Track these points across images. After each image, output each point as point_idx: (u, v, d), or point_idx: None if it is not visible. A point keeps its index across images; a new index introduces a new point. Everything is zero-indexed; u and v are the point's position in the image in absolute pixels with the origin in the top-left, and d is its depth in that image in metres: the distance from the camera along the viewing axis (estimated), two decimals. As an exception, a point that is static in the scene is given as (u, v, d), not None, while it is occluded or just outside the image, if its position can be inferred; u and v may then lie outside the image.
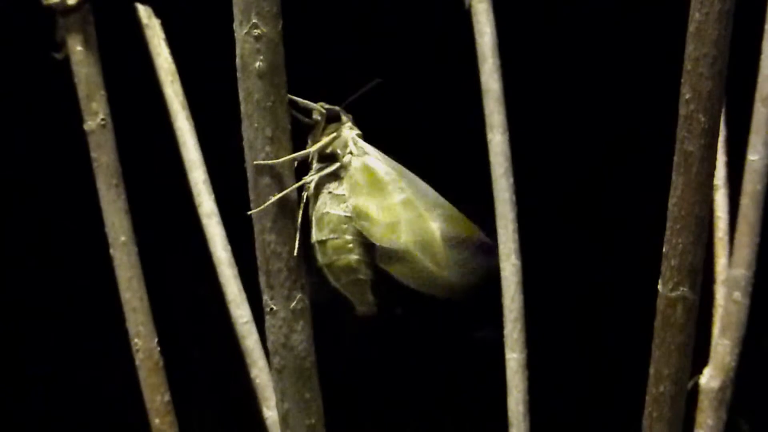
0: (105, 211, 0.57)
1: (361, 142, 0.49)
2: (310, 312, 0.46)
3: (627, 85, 1.04)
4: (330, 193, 0.48)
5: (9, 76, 0.98)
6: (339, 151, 0.48)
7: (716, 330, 0.62)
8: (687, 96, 0.40)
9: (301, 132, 0.48)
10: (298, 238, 0.45)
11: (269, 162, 0.43)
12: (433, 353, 1.16)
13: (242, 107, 0.43)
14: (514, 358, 0.62)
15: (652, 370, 0.44)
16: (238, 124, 0.44)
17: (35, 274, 1.09)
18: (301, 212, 0.46)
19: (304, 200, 0.47)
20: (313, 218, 0.48)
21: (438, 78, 1.02)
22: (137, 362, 0.58)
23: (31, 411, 1.12)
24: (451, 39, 0.65)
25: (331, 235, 0.48)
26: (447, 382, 1.17)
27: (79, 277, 1.02)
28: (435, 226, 0.49)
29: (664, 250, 0.42)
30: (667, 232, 0.42)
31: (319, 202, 0.48)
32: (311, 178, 0.48)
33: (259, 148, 0.43)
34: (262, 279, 0.45)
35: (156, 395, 0.58)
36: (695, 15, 0.39)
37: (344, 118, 0.49)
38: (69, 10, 0.55)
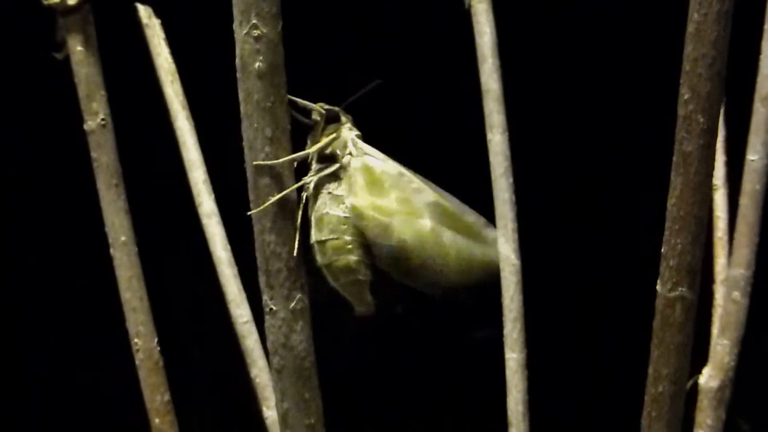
0: (105, 211, 0.57)
1: (361, 143, 0.49)
2: (310, 312, 0.46)
3: (626, 85, 1.04)
4: (329, 193, 0.48)
5: (9, 76, 0.98)
6: (338, 152, 0.48)
7: (715, 330, 0.62)
8: (686, 96, 0.40)
9: (300, 132, 0.48)
10: (297, 239, 0.45)
11: (269, 162, 0.43)
12: (433, 353, 1.16)
13: (242, 107, 0.43)
14: (513, 357, 0.62)
15: (650, 370, 0.44)
16: (238, 124, 0.44)
17: (35, 273, 1.09)
18: (300, 212, 0.46)
19: (304, 200, 0.47)
20: (313, 219, 0.48)
21: (438, 78, 1.02)
22: (137, 362, 0.58)
23: (31, 411, 1.12)
24: (451, 39, 0.65)
25: (331, 236, 0.48)
26: (447, 382, 1.17)
27: (79, 276, 1.02)
28: (435, 226, 0.49)
29: (662, 250, 0.42)
30: (666, 233, 0.42)
31: (318, 203, 0.48)
32: (311, 179, 0.48)
33: (259, 149, 0.43)
34: (261, 279, 0.45)
35: (156, 395, 0.58)
36: (694, 15, 0.39)
37: (344, 118, 0.49)
38: (69, 10, 0.55)
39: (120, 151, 0.57)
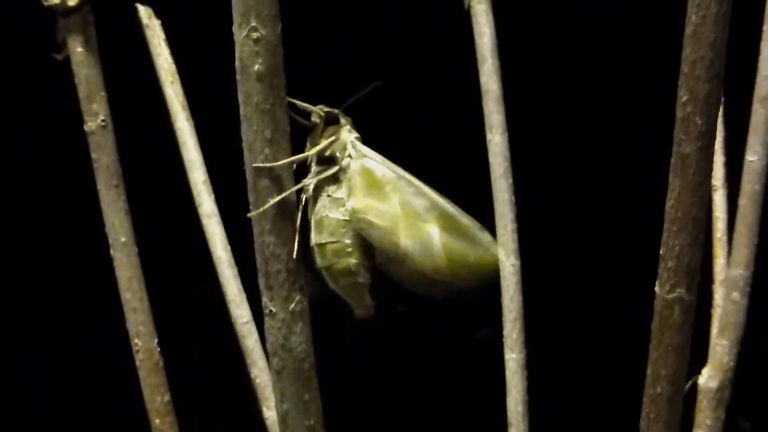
0: (105, 212, 0.57)
1: (360, 145, 0.49)
2: (309, 313, 0.46)
3: (626, 86, 1.04)
4: (329, 196, 0.48)
5: (10, 77, 0.98)
6: (338, 154, 0.49)
7: (715, 330, 0.62)
8: (684, 98, 0.40)
9: (300, 134, 0.48)
10: (297, 240, 0.45)
11: (268, 164, 0.43)
12: (433, 353, 1.16)
13: (241, 110, 0.43)
14: (513, 358, 0.62)
15: (649, 371, 0.44)
16: (238, 125, 0.45)
17: (36, 274, 1.09)
18: (300, 214, 0.46)
19: (303, 202, 0.47)
20: (312, 221, 0.48)
21: (437, 79, 1.02)
22: (137, 362, 0.58)
23: (31, 411, 1.12)
24: (451, 40, 0.65)
25: (330, 239, 0.48)
26: (447, 383, 1.17)
27: (80, 277, 1.02)
28: (433, 230, 0.49)
29: (661, 251, 0.42)
30: (664, 234, 0.42)
31: (318, 205, 0.48)
32: (310, 181, 0.48)
33: (259, 151, 0.43)
34: (261, 281, 0.46)
35: (156, 395, 0.58)
36: (692, 18, 0.40)
37: (343, 120, 0.49)
38: (69, 11, 0.55)
39: (120, 151, 0.58)
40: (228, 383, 0.91)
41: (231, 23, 0.43)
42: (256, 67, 0.42)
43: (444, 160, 1.00)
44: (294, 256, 0.45)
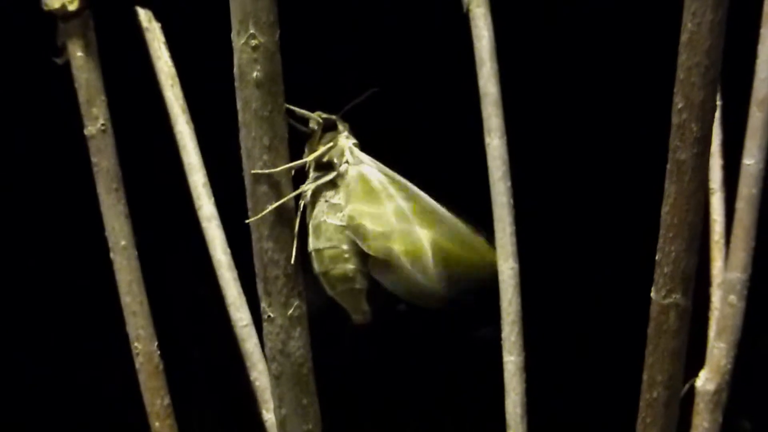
0: (105, 216, 0.57)
1: (357, 152, 0.49)
2: (307, 318, 0.46)
3: (624, 89, 1.04)
4: (327, 201, 0.49)
5: (10, 81, 0.98)
6: (336, 160, 0.49)
7: (712, 333, 0.62)
8: (680, 105, 0.40)
9: (298, 141, 0.48)
10: (295, 246, 0.45)
11: (267, 171, 0.44)
12: (433, 354, 1.16)
13: (240, 116, 0.43)
14: (511, 360, 0.62)
15: (645, 376, 0.44)
16: (238, 128, 0.45)
17: (36, 277, 1.09)
18: (298, 220, 0.46)
19: (302, 208, 0.47)
20: (311, 227, 0.48)
21: (436, 82, 1.02)
22: (137, 366, 0.58)
23: (32, 414, 1.12)
24: (449, 43, 0.65)
25: (328, 244, 0.48)
26: (445, 384, 1.17)
27: (80, 281, 1.03)
28: (427, 236, 0.49)
29: (657, 257, 0.42)
30: (660, 240, 0.42)
31: (316, 211, 0.49)
32: (308, 187, 0.48)
33: (257, 157, 0.43)
34: (259, 286, 0.46)
35: (156, 398, 0.58)
36: (687, 25, 0.40)
37: (341, 127, 0.49)
38: (70, 16, 0.55)
39: (120, 154, 0.58)
40: (227, 386, 0.92)
41: (231, 26, 0.43)
42: (255, 74, 0.42)
43: (443, 163, 1.00)
44: (292, 262, 0.45)
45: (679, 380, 0.44)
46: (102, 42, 0.57)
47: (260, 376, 0.62)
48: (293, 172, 0.46)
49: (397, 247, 0.49)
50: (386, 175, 0.49)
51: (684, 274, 0.42)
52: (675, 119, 0.41)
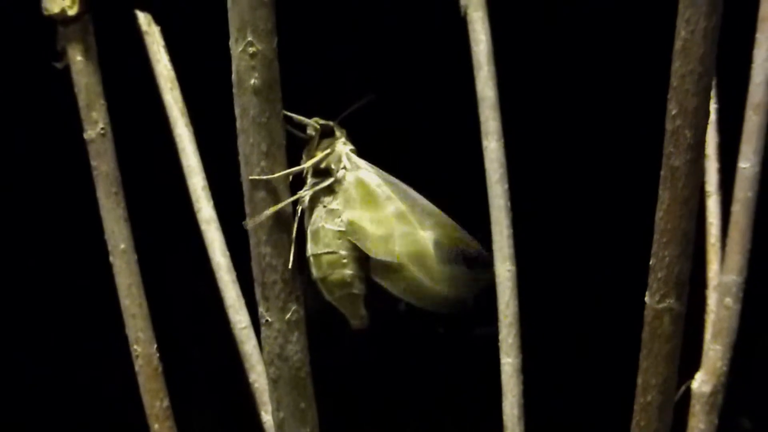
0: (105, 219, 0.57)
1: (355, 157, 0.49)
2: (305, 323, 0.47)
3: (622, 92, 1.04)
4: (325, 207, 0.49)
5: (10, 85, 0.99)
6: (333, 166, 0.49)
7: (708, 335, 0.63)
8: (673, 112, 0.41)
9: (296, 147, 0.48)
10: (293, 251, 0.46)
11: (265, 177, 0.44)
12: (430, 356, 1.17)
13: (238, 123, 0.43)
14: (509, 362, 0.63)
15: (639, 380, 0.44)
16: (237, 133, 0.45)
17: (36, 280, 1.09)
18: (296, 225, 0.46)
19: (299, 214, 0.47)
20: (309, 232, 0.49)
21: (434, 85, 1.02)
22: (137, 368, 0.58)
23: (32, 416, 1.12)
24: (447, 47, 0.65)
25: (326, 250, 0.48)
26: (443, 386, 1.17)
27: (80, 283, 1.03)
28: (428, 240, 0.50)
29: (651, 262, 0.42)
30: (654, 245, 0.42)
31: (314, 216, 0.49)
32: (306, 193, 0.48)
33: (255, 163, 0.44)
34: (257, 291, 0.46)
35: (155, 401, 0.58)
36: (681, 32, 0.40)
37: (338, 133, 0.49)
38: (69, 20, 0.55)
39: (119, 157, 0.58)
40: (226, 388, 0.92)
41: (229, 30, 0.44)
42: (253, 81, 0.43)
43: (441, 165, 1.01)
44: (290, 267, 0.45)
45: (673, 384, 0.44)
46: (101, 45, 0.57)
47: (259, 378, 0.62)
48: (291, 177, 0.46)
49: (398, 250, 0.49)
50: (384, 180, 0.50)
51: (678, 279, 0.42)
52: (669, 126, 0.41)
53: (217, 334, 0.66)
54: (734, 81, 0.61)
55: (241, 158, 0.44)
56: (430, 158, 1.02)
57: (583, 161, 1.09)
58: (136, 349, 0.58)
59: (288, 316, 0.46)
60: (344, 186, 0.49)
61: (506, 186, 0.63)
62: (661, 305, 0.43)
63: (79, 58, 0.56)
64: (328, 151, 0.49)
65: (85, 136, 0.57)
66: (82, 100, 0.57)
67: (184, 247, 0.72)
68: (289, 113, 0.46)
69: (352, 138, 0.51)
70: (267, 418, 0.62)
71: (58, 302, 1.09)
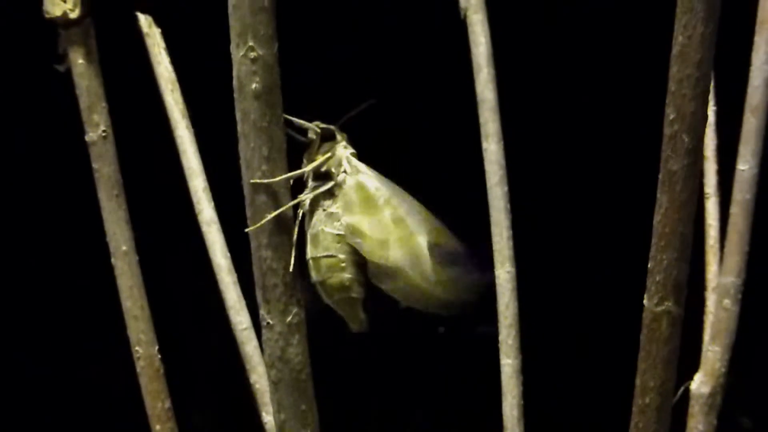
0: (106, 221, 0.58)
1: (355, 161, 0.50)
2: (306, 325, 0.47)
3: (621, 93, 1.04)
4: (325, 210, 0.49)
5: (12, 88, 0.99)
6: (333, 170, 0.49)
7: (707, 337, 0.63)
8: (671, 116, 0.41)
9: (297, 150, 0.49)
10: (293, 254, 0.46)
11: (265, 181, 0.44)
12: (430, 357, 1.17)
13: (239, 127, 0.44)
14: (508, 363, 0.63)
15: (638, 382, 0.45)
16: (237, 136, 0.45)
17: (38, 282, 1.09)
18: (297, 229, 0.46)
19: (300, 217, 0.48)
20: (309, 235, 0.49)
21: (434, 87, 1.02)
22: (138, 369, 0.59)
23: (34, 417, 1.12)
24: (447, 49, 0.65)
25: (325, 253, 0.49)
26: (443, 387, 1.17)
27: (81, 285, 1.03)
28: (425, 244, 0.50)
29: (649, 265, 0.43)
30: (653, 249, 0.42)
31: (314, 220, 0.49)
32: (306, 196, 0.49)
33: (256, 167, 0.44)
34: (258, 294, 0.46)
35: (157, 401, 0.59)
36: (679, 38, 0.40)
37: (339, 137, 0.50)
38: (71, 24, 0.56)
39: (120, 158, 0.58)
40: (227, 388, 0.92)
41: (230, 31, 0.44)
42: (254, 85, 0.43)
43: (440, 167, 1.01)
44: (291, 270, 0.46)
45: (671, 386, 0.44)
46: (102, 46, 0.57)
47: (260, 379, 0.62)
48: (292, 181, 0.46)
49: (396, 254, 0.49)
50: (384, 184, 0.50)
51: (676, 282, 0.42)
52: (667, 130, 0.41)
53: (217, 336, 0.66)
54: (733, 84, 0.62)
55: (242, 162, 0.44)
56: (430, 160, 1.03)
57: (583, 164, 1.09)
58: (138, 350, 0.59)
59: (289, 318, 0.46)
60: (344, 190, 0.49)
61: (506, 188, 0.63)
62: (659, 308, 0.43)
63: (80, 61, 0.56)
64: (329, 154, 0.49)
65: (87, 138, 0.57)
66: (83, 103, 0.57)
67: (185, 249, 0.72)
68: (289, 117, 0.46)
69: (352, 141, 0.51)
70: (268, 418, 0.62)
71: (59, 303, 1.09)
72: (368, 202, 0.49)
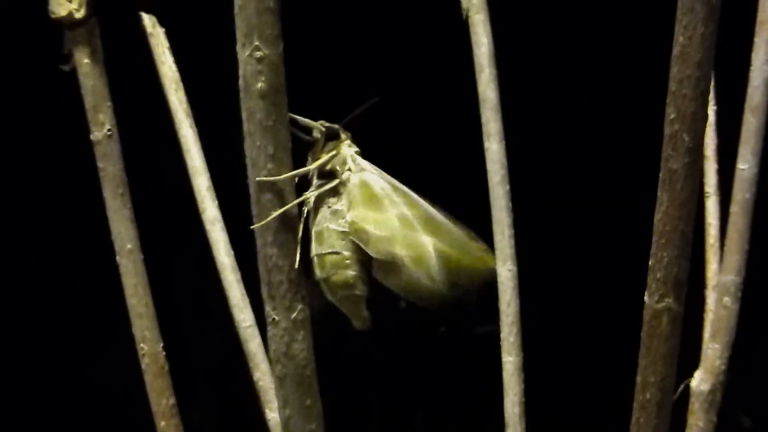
0: (111, 220, 0.58)
1: (360, 159, 0.50)
2: (310, 322, 0.47)
3: (622, 93, 1.04)
4: (329, 208, 0.50)
5: (17, 88, 0.99)
6: (338, 168, 0.50)
7: (707, 334, 0.63)
8: (672, 116, 0.41)
9: (301, 149, 0.49)
10: (298, 252, 0.46)
11: (271, 179, 0.44)
12: (433, 354, 1.17)
13: (245, 126, 0.44)
14: (510, 361, 0.63)
15: (638, 378, 0.45)
16: (242, 132, 0.45)
17: (43, 280, 1.10)
18: (301, 227, 0.47)
19: (305, 215, 0.48)
20: (313, 233, 0.49)
21: (436, 87, 1.02)
22: (143, 366, 0.59)
23: (37, 414, 1.13)
24: (449, 49, 0.66)
25: (330, 250, 0.49)
26: (445, 384, 1.17)
27: (86, 283, 1.03)
28: (429, 241, 0.50)
29: (650, 263, 0.43)
30: (653, 246, 0.43)
31: (318, 217, 0.49)
32: (311, 194, 0.49)
33: (261, 166, 0.44)
34: (264, 290, 0.46)
35: (162, 399, 0.59)
36: (679, 38, 0.40)
37: (343, 135, 0.50)
38: (76, 24, 0.56)
39: (125, 157, 0.58)
40: (231, 386, 0.92)
41: (234, 30, 0.44)
42: (259, 85, 0.43)
43: (442, 166, 1.01)
44: (296, 267, 0.46)
45: (671, 382, 0.45)
46: (106, 46, 0.58)
47: (263, 376, 0.62)
48: (297, 179, 0.46)
49: (401, 251, 0.50)
50: (388, 182, 0.50)
51: (676, 280, 0.43)
52: (667, 129, 0.41)
53: (221, 333, 0.66)
54: (733, 83, 0.62)
55: (248, 161, 0.45)
56: (432, 159, 1.03)
57: (584, 162, 1.09)
58: (143, 347, 0.59)
59: (294, 315, 0.46)
60: (349, 187, 0.50)
61: (507, 187, 0.63)
62: (659, 305, 0.43)
63: (85, 60, 0.57)
64: (334, 153, 0.49)
65: (92, 137, 0.57)
66: (88, 102, 0.57)
67: (189, 247, 0.72)
68: (294, 116, 0.47)
69: (356, 140, 0.51)
70: (271, 415, 0.62)
71: (64, 302, 1.09)
72: (372, 199, 0.50)
